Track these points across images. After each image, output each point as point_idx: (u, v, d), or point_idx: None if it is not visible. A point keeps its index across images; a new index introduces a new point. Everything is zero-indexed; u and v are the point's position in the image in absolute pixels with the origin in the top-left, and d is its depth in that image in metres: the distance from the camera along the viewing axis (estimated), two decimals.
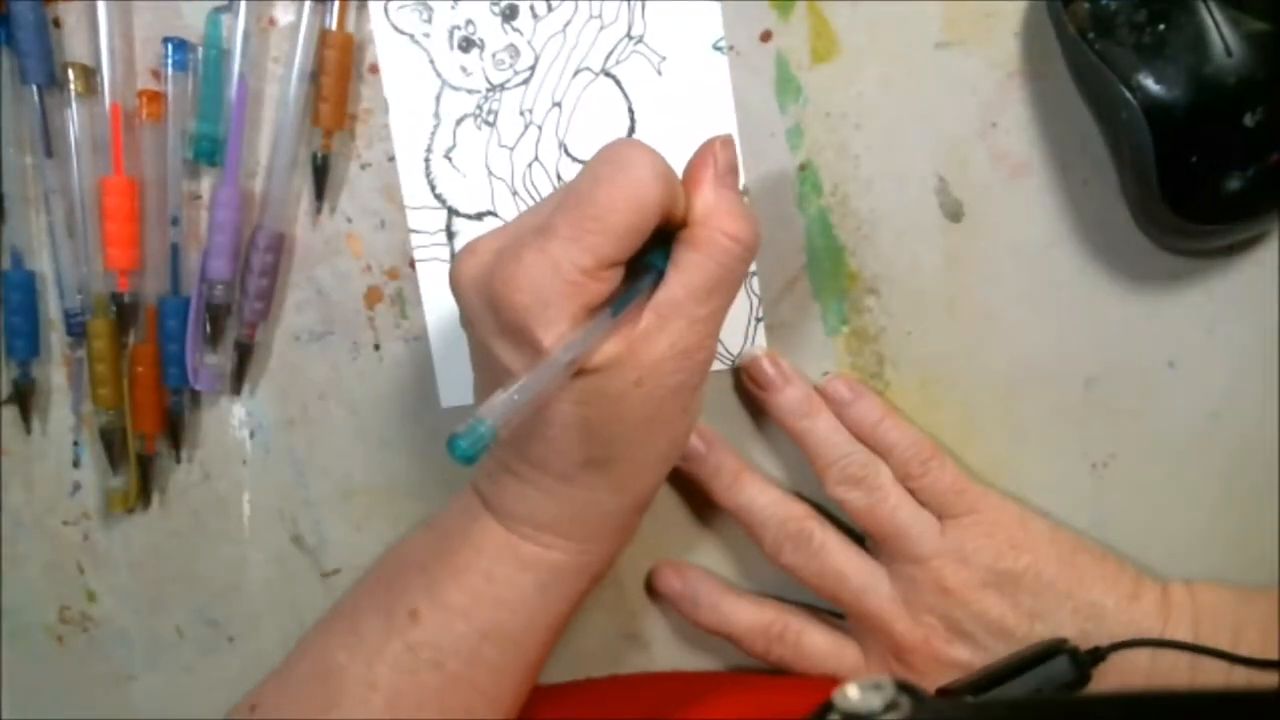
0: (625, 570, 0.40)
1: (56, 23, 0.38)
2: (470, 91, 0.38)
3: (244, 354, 0.39)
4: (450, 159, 0.38)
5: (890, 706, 0.22)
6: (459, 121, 0.38)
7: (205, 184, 0.38)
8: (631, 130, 0.38)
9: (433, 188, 0.38)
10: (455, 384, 0.39)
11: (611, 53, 0.37)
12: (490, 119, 0.38)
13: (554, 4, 0.37)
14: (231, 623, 0.42)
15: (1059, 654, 0.34)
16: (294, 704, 0.34)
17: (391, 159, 0.38)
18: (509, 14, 0.37)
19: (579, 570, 0.34)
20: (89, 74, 0.37)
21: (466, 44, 0.37)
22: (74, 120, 0.37)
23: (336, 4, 0.37)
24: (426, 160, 0.38)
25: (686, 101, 0.37)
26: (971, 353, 0.38)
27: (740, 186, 0.37)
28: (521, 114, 0.38)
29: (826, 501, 0.38)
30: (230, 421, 0.40)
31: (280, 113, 0.37)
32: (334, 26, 0.37)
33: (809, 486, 0.39)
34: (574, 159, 0.38)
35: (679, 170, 0.32)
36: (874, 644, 0.37)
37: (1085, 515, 0.39)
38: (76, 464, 0.41)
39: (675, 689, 0.38)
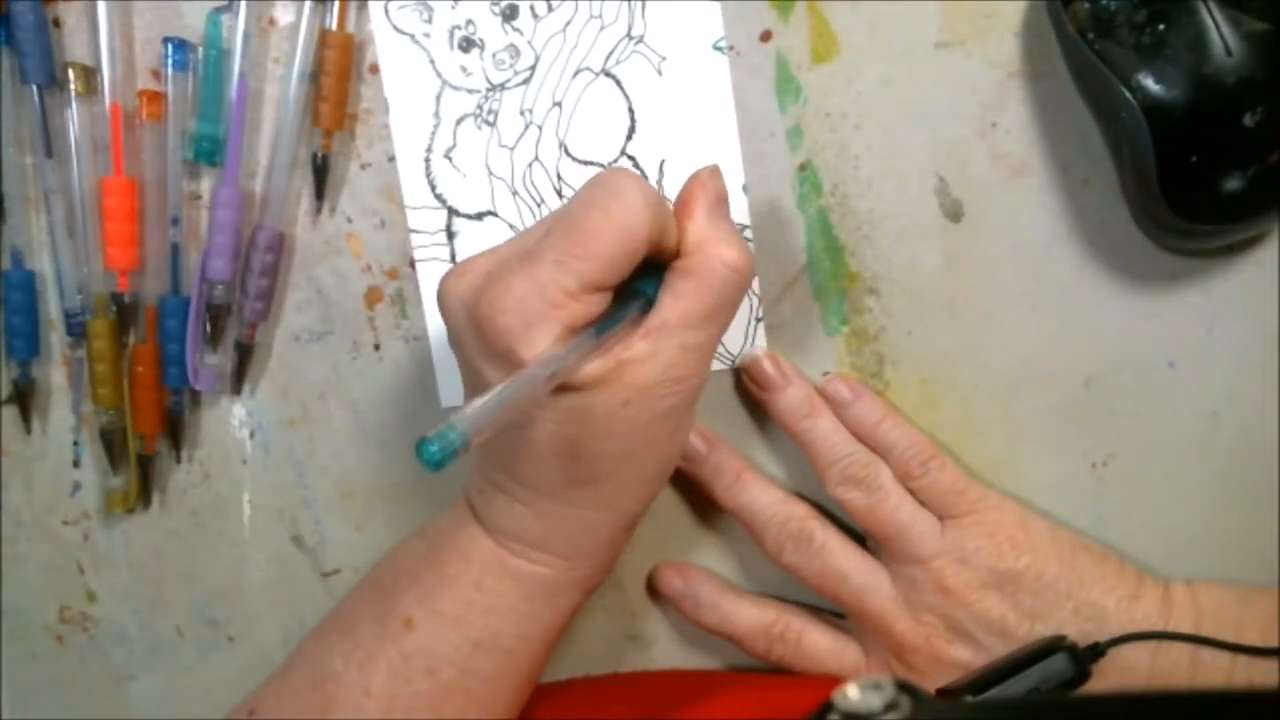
0: (625, 571, 0.40)
1: (56, 23, 0.38)
2: (470, 91, 0.38)
3: (244, 354, 0.39)
4: (450, 159, 0.38)
5: (890, 706, 0.22)
6: (459, 121, 0.38)
7: (205, 184, 0.38)
8: (632, 130, 0.38)
9: (433, 188, 0.38)
10: (455, 384, 0.39)
11: (612, 53, 0.37)
12: (490, 119, 0.38)
13: (554, 4, 0.37)
14: (231, 622, 0.42)
15: (1058, 651, 0.34)
16: (291, 708, 0.34)
17: (391, 159, 0.38)
18: (509, 14, 0.37)
19: (568, 584, 0.34)
20: (89, 74, 0.37)
21: (467, 44, 0.37)
22: (74, 120, 0.37)
23: (336, 4, 0.37)
24: (427, 160, 0.38)
25: (687, 101, 0.37)
26: (971, 353, 0.38)
27: (742, 186, 0.37)
28: (522, 114, 0.38)
29: (828, 502, 0.38)
30: (230, 421, 0.40)
31: (280, 113, 0.37)
32: (334, 26, 0.37)
33: (810, 487, 0.39)
34: (574, 159, 0.38)
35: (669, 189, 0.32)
36: (875, 644, 0.37)
37: (1085, 515, 0.39)
38: (76, 464, 0.41)
39: (675, 688, 0.38)
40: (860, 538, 0.38)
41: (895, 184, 0.37)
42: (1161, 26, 0.33)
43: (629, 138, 0.38)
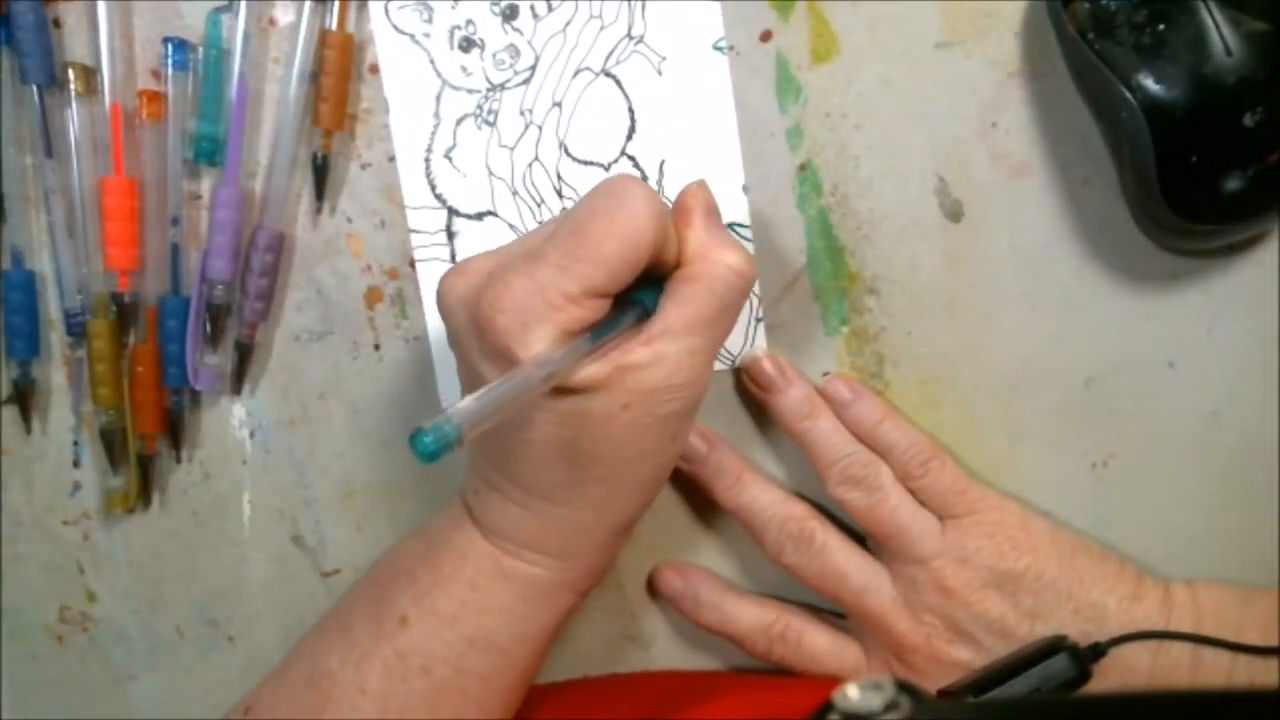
0: (625, 571, 0.40)
1: (56, 23, 0.38)
2: (470, 91, 0.38)
3: (244, 354, 0.39)
4: (450, 159, 0.38)
5: (890, 706, 0.22)
6: (459, 121, 0.38)
7: (205, 184, 0.38)
8: (632, 130, 0.38)
9: (433, 187, 0.38)
10: (455, 384, 0.39)
11: (612, 53, 0.37)
12: (490, 119, 0.38)
13: (554, 4, 0.37)
14: (231, 622, 0.42)
15: (1059, 651, 0.34)
16: (287, 706, 0.34)
17: (391, 159, 0.38)
18: (509, 14, 0.37)
19: (562, 585, 0.34)
20: (89, 74, 0.37)
21: (467, 44, 0.37)
22: (74, 120, 0.37)
23: (336, 4, 0.37)
24: (427, 160, 0.38)
25: (687, 101, 0.37)
26: (971, 353, 0.38)
27: (742, 186, 0.37)
28: (522, 114, 0.38)
29: (828, 502, 0.38)
30: (230, 421, 0.40)
31: (280, 113, 0.37)
32: (334, 26, 0.37)
33: (810, 486, 0.39)
34: (574, 159, 0.38)
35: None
36: (875, 644, 0.37)
37: (1085, 515, 0.39)
38: (76, 464, 0.41)
39: (675, 688, 0.38)
40: (861, 539, 0.38)
41: (895, 184, 0.37)
42: (1161, 26, 0.33)
43: (629, 138, 0.38)
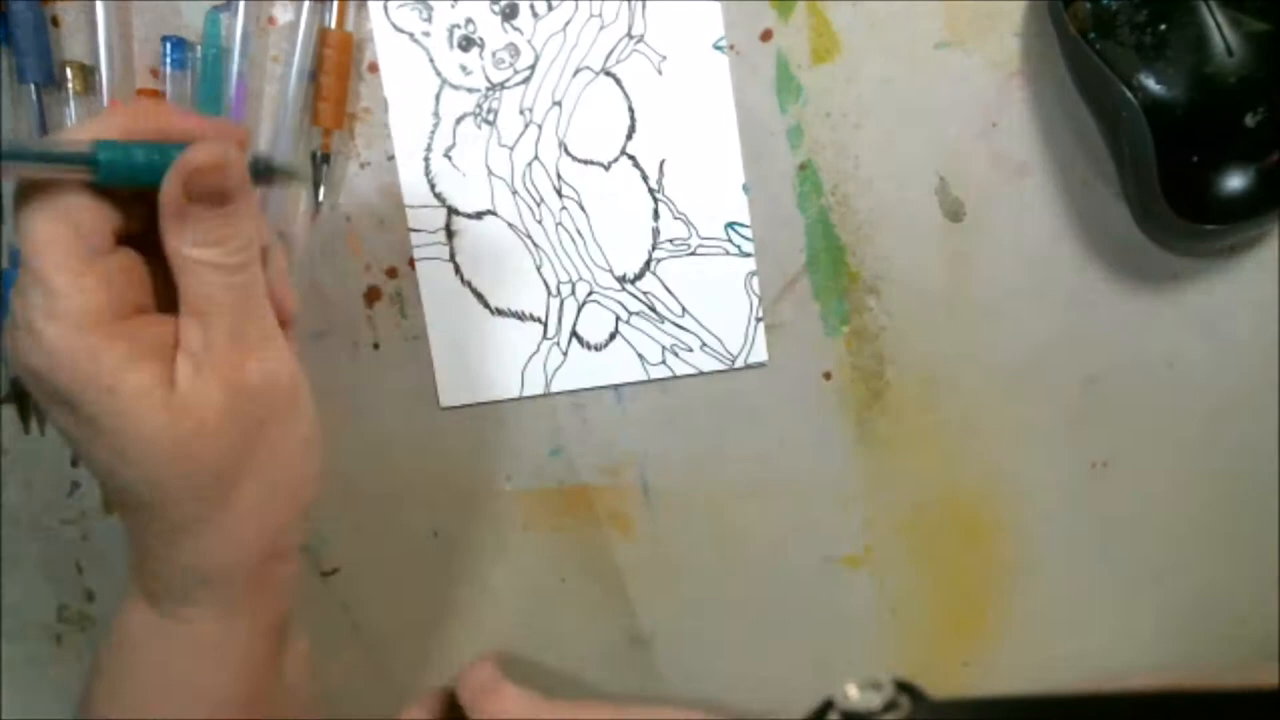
0: (625, 569, 0.40)
1: (55, 21, 0.37)
2: (470, 90, 0.38)
3: None
4: (450, 158, 0.38)
5: (890, 706, 0.22)
6: (459, 120, 0.38)
7: None
8: (632, 130, 0.38)
9: (432, 186, 0.38)
10: (455, 384, 0.39)
11: (612, 52, 0.37)
12: (490, 118, 0.38)
13: (554, 3, 0.37)
14: None
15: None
16: None
17: (391, 158, 0.38)
18: (509, 13, 0.37)
19: (236, 639, 0.31)
20: (87, 73, 0.37)
21: (466, 43, 0.37)
22: (72, 119, 0.37)
23: (336, 3, 0.37)
24: (426, 159, 0.38)
25: (687, 101, 0.37)
26: (971, 353, 0.38)
27: (741, 186, 0.37)
28: (521, 113, 0.38)
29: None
30: None
31: (279, 112, 0.37)
32: (333, 25, 0.37)
33: (807, 484, 0.39)
34: (574, 158, 0.38)
35: None
36: None
37: (1085, 515, 0.39)
38: (75, 463, 0.41)
39: None
40: None
41: (895, 184, 0.37)
42: (1162, 26, 0.33)
43: (629, 137, 0.38)
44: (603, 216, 0.38)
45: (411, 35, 0.37)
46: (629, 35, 0.37)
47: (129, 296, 0.28)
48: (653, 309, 0.38)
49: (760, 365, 0.38)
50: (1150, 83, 0.33)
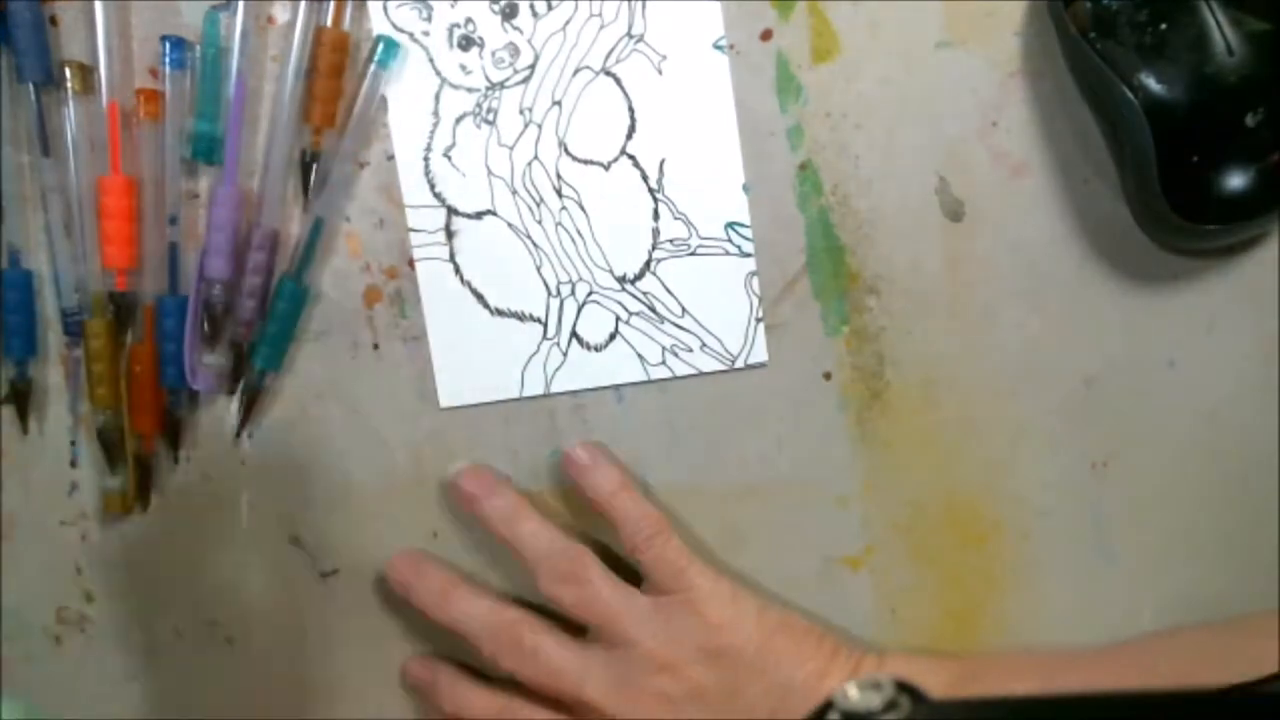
0: (627, 575, 0.40)
1: (54, 20, 0.37)
2: (470, 90, 0.38)
3: (241, 353, 0.39)
4: (449, 158, 0.38)
5: (890, 706, 0.22)
6: (458, 120, 0.38)
7: (203, 183, 0.38)
8: (632, 129, 0.38)
9: (432, 186, 0.38)
10: (455, 384, 0.39)
11: (612, 51, 0.37)
12: (490, 117, 0.38)
13: (554, 2, 0.37)
14: (230, 623, 0.41)
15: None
16: None
17: (390, 158, 0.38)
18: (509, 12, 0.37)
19: None
20: (86, 72, 0.37)
21: (466, 42, 0.37)
22: (71, 119, 0.37)
23: (332, 2, 0.37)
24: (425, 159, 0.38)
25: (687, 101, 0.37)
26: (971, 353, 0.38)
27: (742, 186, 0.37)
28: (521, 113, 0.38)
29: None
30: (228, 421, 0.40)
31: (278, 111, 0.37)
32: (329, 24, 0.37)
33: (807, 484, 0.39)
34: (574, 158, 0.38)
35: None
36: None
37: (1085, 515, 0.39)
38: (74, 464, 0.41)
39: None
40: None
41: (896, 184, 0.37)
42: (1163, 26, 0.33)
43: (629, 137, 0.38)
44: (602, 216, 0.38)
45: (411, 35, 0.37)
46: (629, 35, 0.37)
47: None
48: (653, 309, 0.38)
49: (761, 365, 0.38)
50: (1150, 82, 0.33)
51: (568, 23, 0.37)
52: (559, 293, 0.39)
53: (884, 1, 0.36)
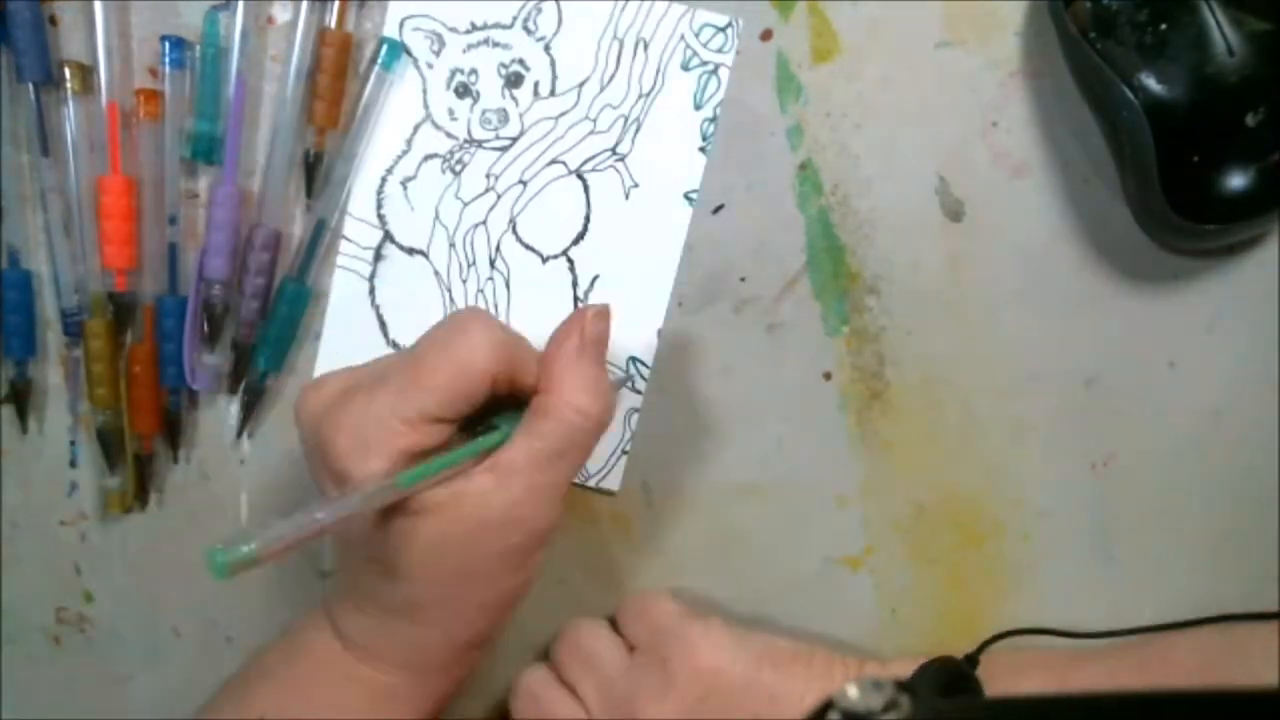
0: (624, 569, 0.40)
1: (53, 20, 0.37)
2: (449, 135, 0.38)
3: (241, 353, 0.39)
4: (405, 188, 0.38)
5: (890, 706, 0.22)
6: (427, 158, 0.38)
7: (203, 182, 0.38)
8: (580, 236, 0.38)
9: (379, 206, 0.38)
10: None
11: (591, 159, 0.37)
12: (457, 169, 0.38)
13: (559, 90, 0.37)
14: (229, 623, 0.41)
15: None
16: None
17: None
18: (513, 80, 0.37)
19: (415, 694, 0.34)
20: (86, 72, 0.37)
21: (463, 90, 0.37)
22: (71, 119, 0.37)
23: (336, 3, 0.37)
24: (383, 179, 0.38)
25: (641, 233, 0.37)
26: (971, 353, 0.38)
27: (656, 331, 0.38)
28: (487, 176, 0.38)
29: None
30: (228, 421, 0.40)
31: (278, 111, 0.37)
32: (333, 25, 0.37)
33: (807, 484, 0.39)
34: (518, 238, 0.38)
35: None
36: None
37: (1085, 515, 0.39)
38: (73, 464, 0.40)
39: None
40: None
41: (896, 183, 0.37)
42: (1163, 26, 0.33)
43: (575, 242, 0.38)
44: (523, 303, 0.38)
45: (416, 60, 0.37)
46: (613, 151, 0.37)
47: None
48: None
49: (610, 493, 0.39)
50: (1151, 82, 0.33)
51: (563, 114, 0.37)
52: None
53: (884, 1, 0.36)
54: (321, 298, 0.39)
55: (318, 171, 0.37)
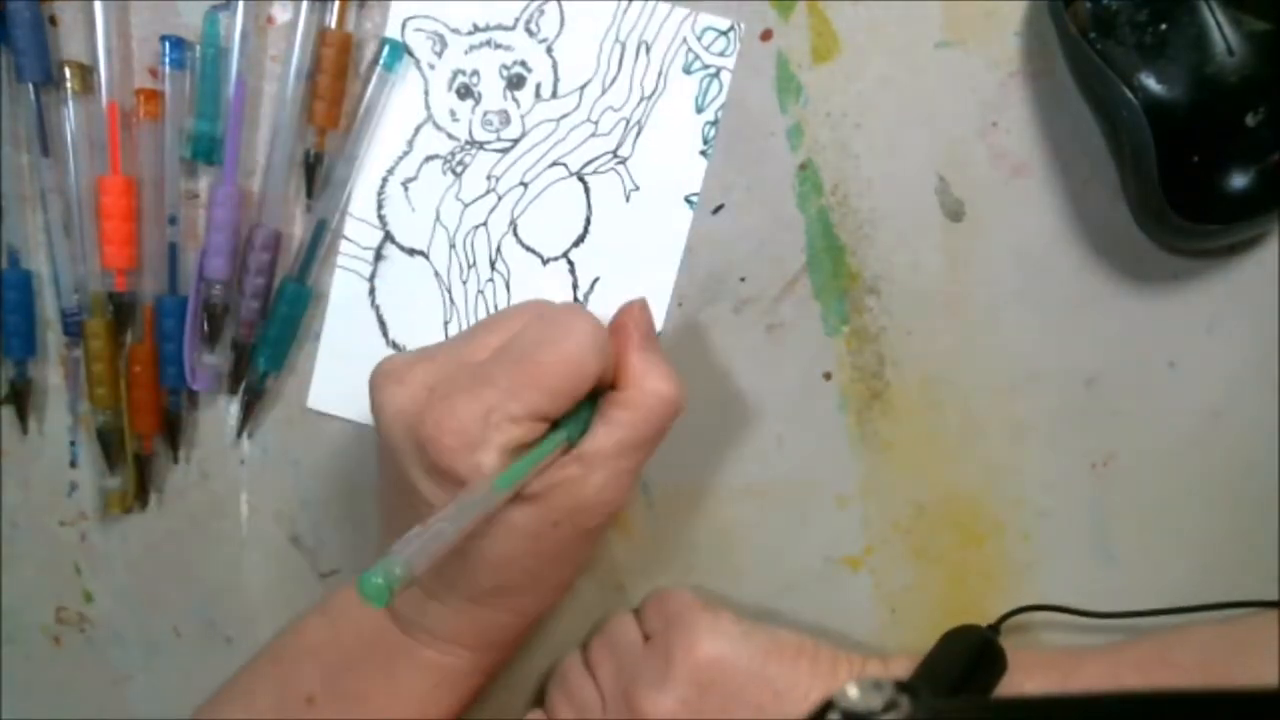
0: (625, 570, 0.40)
1: (53, 20, 0.37)
2: (450, 137, 0.38)
3: (241, 353, 0.39)
4: (406, 189, 0.38)
5: (890, 706, 0.22)
6: (428, 159, 0.38)
7: (203, 183, 0.38)
8: (581, 239, 0.38)
9: (379, 207, 0.38)
10: (327, 391, 0.39)
11: (593, 161, 0.37)
12: (458, 170, 0.38)
13: (561, 92, 0.37)
14: (229, 623, 0.41)
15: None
16: None
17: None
18: (515, 82, 0.37)
19: (473, 674, 0.36)
20: (86, 72, 0.37)
21: (465, 91, 0.37)
22: (71, 118, 0.37)
23: (336, 3, 0.37)
24: (384, 180, 0.38)
25: (642, 235, 0.37)
26: (971, 353, 0.38)
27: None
28: (488, 178, 0.38)
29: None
30: (228, 421, 0.40)
31: (278, 111, 0.37)
32: (333, 25, 0.37)
33: (807, 484, 0.39)
34: (519, 240, 0.38)
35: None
36: None
37: (1085, 515, 0.39)
38: (73, 464, 0.40)
39: None
40: None
41: (896, 183, 0.37)
42: (1163, 26, 0.33)
43: (575, 244, 0.38)
44: None
45: (418, 61, 0.37)
46: (614, 154, 0.37)
47: None
48: None
49: None
50: (1150, 82, 0.33)
51: (564, 116, 0.37)
52: None
53: (884, 1, 0.36)
54: (321, 298, 0.39)
55: (318, 172, 0.37)
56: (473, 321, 0.38)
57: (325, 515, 0.40)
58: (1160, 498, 0.39)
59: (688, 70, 0.37)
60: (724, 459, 0.39)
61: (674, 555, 0.40)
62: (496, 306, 0.38)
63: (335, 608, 0.36)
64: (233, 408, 0.40)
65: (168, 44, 0.37)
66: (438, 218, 0.38)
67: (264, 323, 0.38)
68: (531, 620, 0.36)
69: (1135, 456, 0.39)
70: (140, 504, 0.40)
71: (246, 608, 0.41)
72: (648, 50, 0.37)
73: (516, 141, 0.37)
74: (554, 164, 0.37)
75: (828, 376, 0.39)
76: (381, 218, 0.38)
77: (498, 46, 0.37)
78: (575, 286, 0.38)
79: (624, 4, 0.36)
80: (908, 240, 0.38)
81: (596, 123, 0.37)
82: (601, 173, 0.37)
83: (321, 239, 0.38)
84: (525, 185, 0.38)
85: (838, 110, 0.37)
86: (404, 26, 0.37)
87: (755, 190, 0.37)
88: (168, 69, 0.37)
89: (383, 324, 0.39)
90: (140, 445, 0.39)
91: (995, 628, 0.37)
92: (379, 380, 0.32)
